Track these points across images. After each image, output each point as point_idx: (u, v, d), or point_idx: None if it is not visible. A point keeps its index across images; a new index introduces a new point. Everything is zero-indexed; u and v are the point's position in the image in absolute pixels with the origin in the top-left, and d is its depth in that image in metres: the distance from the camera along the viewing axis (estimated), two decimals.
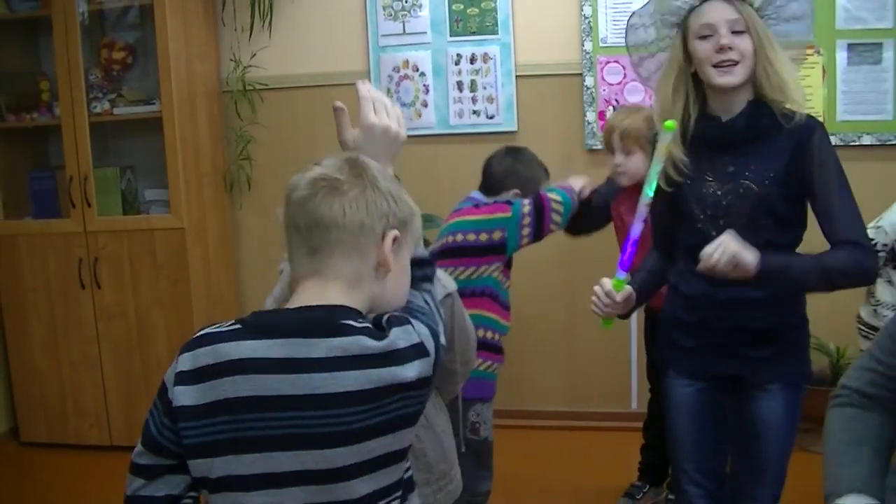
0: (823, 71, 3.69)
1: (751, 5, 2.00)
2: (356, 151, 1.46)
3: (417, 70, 3.86)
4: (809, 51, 3.67)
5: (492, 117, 3.84)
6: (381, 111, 1.54)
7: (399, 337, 1.27)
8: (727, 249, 1.89)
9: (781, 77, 1.97)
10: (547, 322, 3.95)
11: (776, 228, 2.02)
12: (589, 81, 3.76)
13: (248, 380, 1.23)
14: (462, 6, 3.81)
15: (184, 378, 1.27)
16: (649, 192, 2.04)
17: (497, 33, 3.80)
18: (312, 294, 1.30)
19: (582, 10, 3.74)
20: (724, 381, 2.11)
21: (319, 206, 1.29)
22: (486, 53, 3.81)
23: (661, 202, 2.09)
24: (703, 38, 1.98)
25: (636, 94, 3.74)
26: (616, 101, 3.76)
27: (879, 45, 3.66)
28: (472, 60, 3.82)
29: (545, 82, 3.79)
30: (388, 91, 3.88)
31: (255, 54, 3.96)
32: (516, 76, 3.81)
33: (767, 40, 1.98)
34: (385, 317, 1.30)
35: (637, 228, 2.06)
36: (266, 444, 1.23)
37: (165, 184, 3.82)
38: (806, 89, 3.69)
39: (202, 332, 1.30)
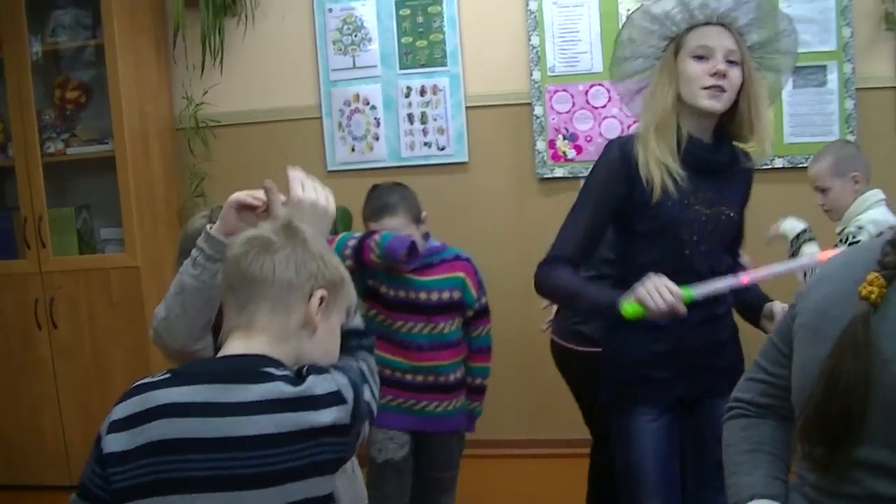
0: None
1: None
2: None
3: (368, 103, 3.88)
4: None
5: (443, 148, 3.85)
6: (309, 188, 1.65)
7: (315, 384, 1.33)
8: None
9: (759, 115, 2.02)
10: (507, 351, 3.93)
11: (732, 254, 2.18)
12: (538, 111, 3.78)
13: (172, 423, 1.29)
14: (411, 39, 3.84)
15: (115, 426, 1.33)
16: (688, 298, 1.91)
17: (446, 65, 3.82)
18: (239, 344, 1.40)
19: (530, 40, 3.77)
20: (687, 403, 2.13)
21: (251, 264, 1.39)
22: (435, 85, 3.84)
23: (606, 214, 2.06)
24: (698, 58, 1.99)
25: (585, 123, 3.76)
26: (566, 129, 3.78)
27: (823, 67, 3.69)
28: (423, 92, 3.85)
29: (495, 112, 3.81)
30: (340, 125, 3.90)
31: (206, 91, 3.98)
32: (466, 107, 3.84)
33: (756, 79, 2.02)
34: (305, 367, 1.37)
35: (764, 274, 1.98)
36: (189, 486, 1.28)
37: (121, 222, 3.82)
38: None
39: (137, 384, 1.38)
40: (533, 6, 3.75)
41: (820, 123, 3.70)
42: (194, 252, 1.70)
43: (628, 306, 1.88)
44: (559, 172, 3.80)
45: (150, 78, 3.97)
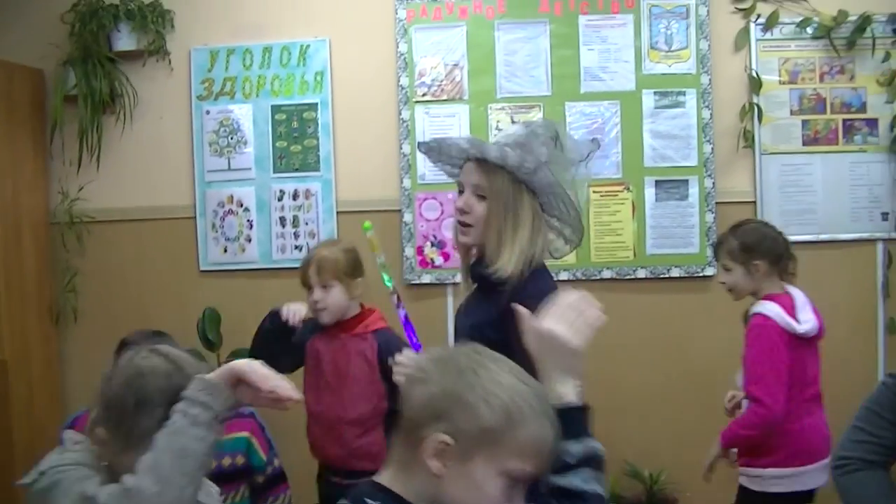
0: (633, 206, 3.80)
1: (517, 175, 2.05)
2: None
3: (242, 205, 3.90)
4: (619, 187, 3.81)
5: None
6: (563, 317, 1.45)
7: None
8: None
9: (502, 242, 2.04)
10: None
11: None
12: (407, 217, 3.83)
13: None
14: (285, 143, 3.89)
15: None
16: (387, 283, 2.18)
17: (319, 170, 3.87)
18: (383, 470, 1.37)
19: (401, 148, 3.84)
20: None
21: (406, 387, 1.36)
22: (308, 189, 3.87)
23: None
24: (460, 193, 2.14)
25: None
26: (434, 236, 3.83)
27: (685, 181, 3.80)
28: (295, 196, 3.88)
29: (365, 218, 3.80)
30: (214, 225, 3.92)
31: (82, 187, 3.98)
32: (337, 212, 3.87)
33: (506, 212, 2.04)
34: None
35: (402, 312, 2.17)
36: None
37: None
38: (616, 224, 3.82)
39: None
40: (405, 115, 3.83)
41: (681, 236, 3.79)
42: (192, 409, 1.46)
43: None
44: (427, 279, 3.83)
45: (27, 171, 3.96)
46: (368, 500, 1.27)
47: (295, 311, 2.69)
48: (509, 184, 2.05)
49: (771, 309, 2.71)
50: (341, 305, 2.76)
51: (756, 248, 2.81)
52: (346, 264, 2.79)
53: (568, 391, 1.41)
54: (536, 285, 1.99)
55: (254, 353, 2.62)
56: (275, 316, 2.71)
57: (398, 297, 2.19)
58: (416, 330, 2.31)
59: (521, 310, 1.52)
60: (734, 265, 2.82)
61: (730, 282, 2.85)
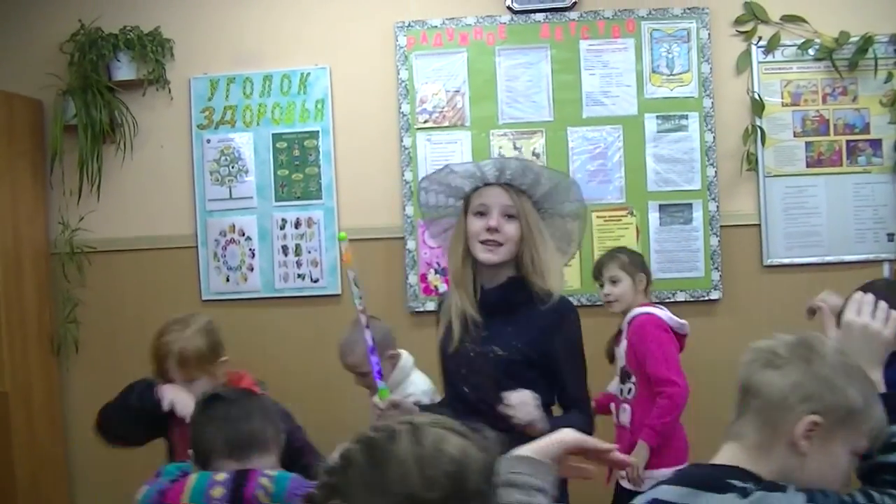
0: (637, 231, 3.78)
1: (530, 197, 2.23)
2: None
3: (244, 234, 3.88)
4: (623, 212, 3.79)
5: (316, 281, 3.85)
6: (866, 312, 1.60)
7: (760, 499, 1.32)
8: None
9: (544, 263, 2.21)
10: None
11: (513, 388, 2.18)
12: (410, 245, 3.81)
13: None
14: (287, 172, 3.87)
15: None
16: (356, 301, 2.26)
17: (321, 198, 3.85)
18: (725, 453, 1.44)
19: (403, 175, 3.82)
20: None
21: (752, 375, 1.43)
22: (310, 218, 3.86)
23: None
24: (478, 214, 2.23)
25: None
26: (437, 263, 3.81)
27: (689, 205, 3.79)
28: (297, 225, 3.86)
29: (368, 246, 3.81)
30: (216, 255, 3.90)
31: (83, 217, 3.96)
32: (339, 240, 3.85)
33: (537, 229, 2.22)
34: (764, 483, 1.36)
35: (368, 335, 2.24)
36: None
37: None
38: None
39: None
40: (407, 142, 3.81)
41: (685, 259, 3.77)
42: (533, 499, 1.17)
43: None
44: (430, 306, 3.79)
45: (27, 201, 3.95)
46: (735, 482, 1.34)
47: (182, 405, 2.26)
48: (531, 205, 2.23)
49: (652, 310, 3.09)
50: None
51: (641, 264, 3.23)
52: (208, 350, 2.39)
53: (878, 378, 1.54)
54: (566, 322, 2.23)
55: (108, 427, 2.42)
56: (147, 395, 2.34)
57: (366, 318, 2.25)
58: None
59: (823, 306, 1.79)
60: (624, 276, 3.15)
61: (616, 293, 3.15)
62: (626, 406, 3.10)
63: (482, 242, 2.20)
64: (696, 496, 1.36)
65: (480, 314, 2.22)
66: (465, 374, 2.24)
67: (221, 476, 1.78)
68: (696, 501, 1.35)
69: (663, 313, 3.10)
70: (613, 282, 3.16)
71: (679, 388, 2.96)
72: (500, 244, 2.19)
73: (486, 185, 2.24)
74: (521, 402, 2.07)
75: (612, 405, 3.19)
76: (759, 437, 1.40)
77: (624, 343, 3.12)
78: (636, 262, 3.21)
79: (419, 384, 2.95)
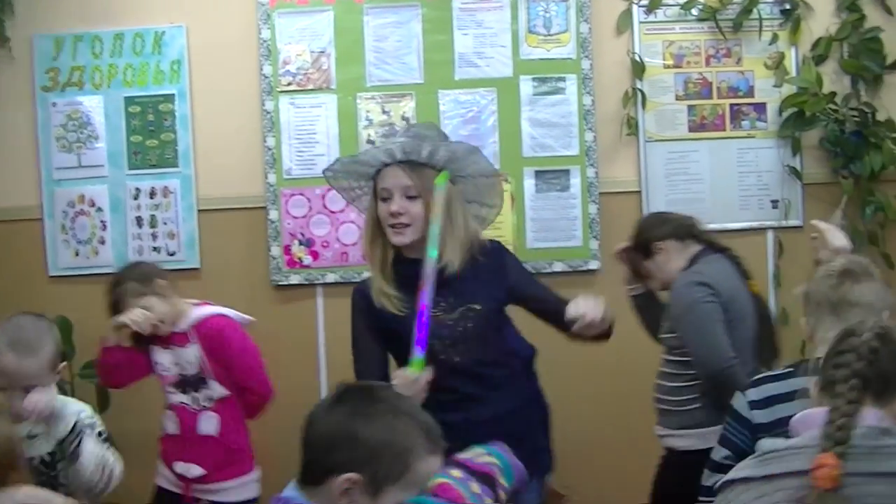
0: (512, 198, 3.61)
1: (434, 167, 2.24)
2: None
3: (94, 205, 3.62)
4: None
5: (173, 254, 3.60)
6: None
7: None
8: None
9: (460, 233, 2.26)
10: None
11: (498, 338, 2.33)
12: (273, 215, 3.59)
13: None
14: (141, 138, 3.62)
15: (756, 405, 1.99)
16: (433, 252, 2.19)
17: (178, 166, 3.61)
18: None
19: (265, 142, 3.59)
20: None
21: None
22: (166, 187, 3.61)
23: (377, 347, 2.32)
24: (383, 199, 2.26)
25: (321, 228, 3.58)
26: (302, 234, 3.59)
27: (567, 171, 3.62)
28: (152, 195, 3.61)
29: (228, 217, 3.59)
30: (63, 227, 3.63)
31: None
32: (198, 210, 3.61)
33: (441, 202, 2.20)
34: None
35: (426, 295, 2.14)
36: None
37: None
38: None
39: (760, 377, 2.07)
40: (269, 106, 3.59)
41: (563, 228, 3.61)
42: None
43: None
44: (295, 279, 3.59)
45: None
46: None
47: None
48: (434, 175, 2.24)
49: (221, 310, 2.86)
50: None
51: None
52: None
53: None
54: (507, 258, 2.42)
55: None
56: None
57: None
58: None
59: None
60: None
61: None
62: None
63: (391, 226, 2.25)
64: None
65: (438, 286, 2.20)
66: (451, 344, 2.24)
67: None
68: None
69: (233, 314, 2.89)
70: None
71: (267, 396, 2.92)
72: (408, 224, 2.24)
73: (387, 165, 2.26)
74: (588, 306, 2.17)
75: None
76: None
77: None
78: None
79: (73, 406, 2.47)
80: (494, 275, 2.32)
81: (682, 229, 2.78)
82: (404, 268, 2.28)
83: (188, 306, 2.85)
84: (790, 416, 1.80)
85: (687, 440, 2.63)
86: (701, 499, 2.03)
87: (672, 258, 2.74)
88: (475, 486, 1.53)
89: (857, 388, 1.41)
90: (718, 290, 2.61)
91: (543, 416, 2.50)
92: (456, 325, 2.26)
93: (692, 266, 2.72)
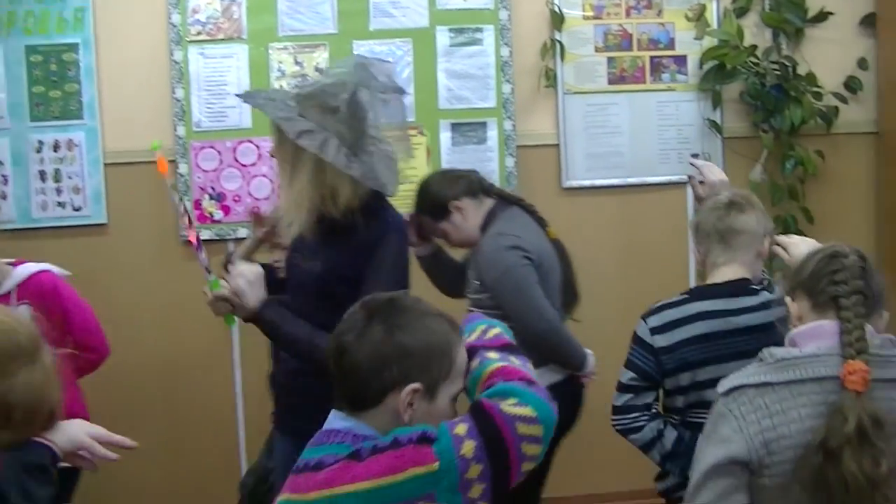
0: (428, 151, 3.54)
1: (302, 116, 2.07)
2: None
3: None
4: (413, 132, 3.53)
5: (79, 209, 3.49)
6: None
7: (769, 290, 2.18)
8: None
9: (297, 196, 2.09)
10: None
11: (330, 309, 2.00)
12: (182, 169, 3.48)
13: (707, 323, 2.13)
14: (43, 88, 3.48)
15: (657, 330, 2.14)
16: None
17: (82, 118, 3.48)
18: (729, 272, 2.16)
19: (174, 93, 3.48)
20: None
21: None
22: (70, 140, 3.48)
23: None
24: None
25: (233, 182, 3.49)
26: (212, 188, 3.50)
27: (484, 124, 3.56)
28: (56, 148, 3.48)
29: (136, 170, 3.47)
30: None
31: None
32: (105, 164, 3.49)
33: (284, 167, 2.10)
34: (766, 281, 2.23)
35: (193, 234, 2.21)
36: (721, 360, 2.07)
37: None
38: (410, 171, 3.53)
39: (659, 304, 2.21)
40: (178, 56, 3.47)
41: None
42: None
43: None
44: (206, 235, 3.48)
45: None
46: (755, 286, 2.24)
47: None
48: (289, 142, 2.06)
49: (45, 266, 2.73)
50: None
51: None
52: None
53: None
54: (388, 223, 2.15)
55: None
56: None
57: (189, 220, 2.30)
58: (198, 287, 2.14)
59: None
60: None
61: None
62: None
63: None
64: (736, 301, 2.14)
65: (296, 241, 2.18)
66: (294, 287, 2.23)
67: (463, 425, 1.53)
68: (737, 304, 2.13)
69: (55, 269, 2.79)
70: None
71: (103, 354, 2.83)
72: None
73: None
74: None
75: None
76: (748, 257, 2.21)
77: None
78: None
79: None
80: (356, 248, 2.11)
81: (475, 185, 2.69)
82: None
83: (7, 266, 2.69)
84: (688, 339, 2.10)
85: None
86: (613, 417, 2.18)
87: (469, 216, 2.64)
88: (515, 359, 1.49)
89: (860, 303, 1.57)
90: (529, 250, 2.58)
91: None
92: (298, 274, 2.21)
93: (491, 222, 2.65)
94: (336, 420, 1.43)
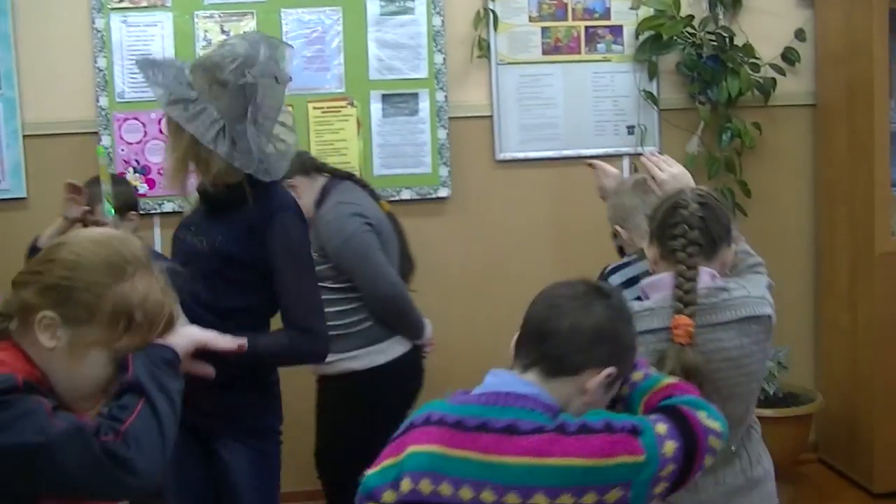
0: (358, 123, 3.48)
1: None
2: None
3: None
4: (342, 103, 3.47)
5: None
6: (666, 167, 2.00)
7: None
8: None
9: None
10: None
11: (231, 290, 2.02)
12: (106, 141, 3.39)
13: None
14: None
15: None
16: (110, 213, 2.36)
17: (0, 88, 3.39)
18: None
19: (96, 63, 3.38)
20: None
21: None
22: None
23: None
24: None
25: (158, 154, 3.40)
26: (136, 161, 3.42)
27: (415, 95, 3.50)
28: None
29: (57, 142, 3.38)
30: None
31: None
32: (24, 136, 3.39)
33: (172, 136, 2.02)
34: None
35: None
36: None
37: None
38: (341, 143, 3.50)
39: None
40: (99, 24, 3.37)
41: (411, 154, 3.50)
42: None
43: None
44: None
45: None
46: None
47: None
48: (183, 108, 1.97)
49: None
50: None
51: None
52: None
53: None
54: (274, 202, 2.02)
55: None
56: None
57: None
58: None
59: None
60: None
61: None
62: None
63: None
64: None
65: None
66: (184, 263, 2.04)
67: (663, 425, 1.54)
68: None
69: None
70: None
71: None
72: None
73: None
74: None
75: None
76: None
77: None
78: None
79: None
80: (242, 227, 2.01)
81: (308, 163, 2.72)
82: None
83: None
84: None
85: (366, 359, 2.64)
86: None
87: (304, 193, 2.64)
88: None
89: (693, 254, 1.69)
90: (370, 216, 2.64)
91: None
92: (189, 251, 2.09)
93: (326, 197, 2.67)
94: (515, 382, 1.40)
